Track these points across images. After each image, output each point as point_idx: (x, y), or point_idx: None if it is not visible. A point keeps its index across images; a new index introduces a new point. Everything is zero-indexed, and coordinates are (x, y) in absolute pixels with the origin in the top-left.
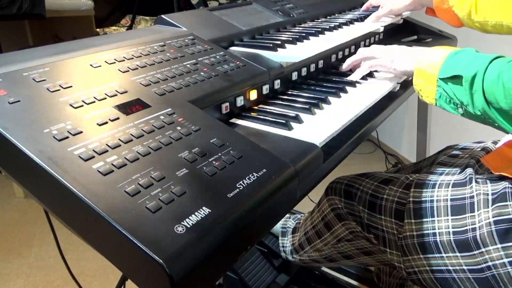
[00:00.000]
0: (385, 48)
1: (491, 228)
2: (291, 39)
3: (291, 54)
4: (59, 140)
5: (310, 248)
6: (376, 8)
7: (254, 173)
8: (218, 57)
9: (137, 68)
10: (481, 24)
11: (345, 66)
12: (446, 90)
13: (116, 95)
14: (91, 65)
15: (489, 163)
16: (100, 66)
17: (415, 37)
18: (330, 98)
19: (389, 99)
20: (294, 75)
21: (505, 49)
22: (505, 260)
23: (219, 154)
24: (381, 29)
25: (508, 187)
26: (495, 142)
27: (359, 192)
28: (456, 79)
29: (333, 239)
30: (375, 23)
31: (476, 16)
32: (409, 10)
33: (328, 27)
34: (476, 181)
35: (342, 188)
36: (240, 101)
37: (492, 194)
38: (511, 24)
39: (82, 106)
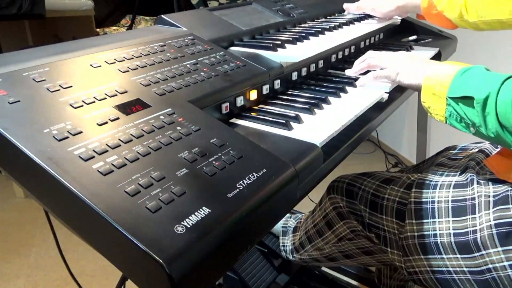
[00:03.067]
0: (392, 57)
1: (492, 231)
2: (291, 39)
3: (291, 54)
4: (59, 140)
5: (311, 247)
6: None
7: (254, 173)
8: (218, 57)
9: (137, 68)
10: (474, 24)
11: (352, 73)
12: (457, 110)
13: (116, 95)
14: (91, 65)
15: (493, 166)
16: (100, 66)
17: (415, 37)
18: (330, 98)
19: (389, 99)
20: (294, 75)
21: (504, 48)
22: (506, 263)
23: (219, 154)
24: (380, 29)
25: (510, 190)
26: None
27: (361, 191)
28: (467, 99)
29: (334, 238)
30: (374, 24)
31: (468, 16)
32: (392, 16)
33: (328, 27)
34: (477, 183)
35: (344, 187)
36: (240, 101)
37: (494, 196)
38: (507, 19)
39: (82, 106)
